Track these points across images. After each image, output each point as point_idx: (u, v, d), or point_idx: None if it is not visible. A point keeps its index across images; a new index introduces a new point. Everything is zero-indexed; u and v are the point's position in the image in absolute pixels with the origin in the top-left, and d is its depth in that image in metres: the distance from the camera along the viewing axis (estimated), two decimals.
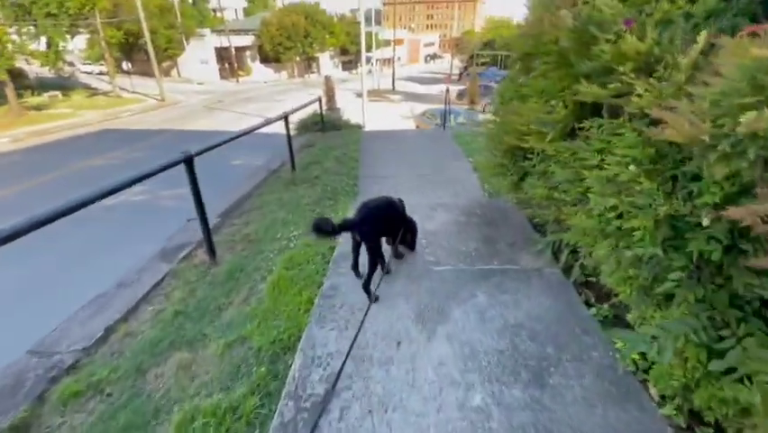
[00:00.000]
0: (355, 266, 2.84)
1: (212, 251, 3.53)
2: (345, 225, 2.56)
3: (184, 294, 3.07)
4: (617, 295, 2.08)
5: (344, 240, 3.39)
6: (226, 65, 36.08)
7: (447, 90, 9.53)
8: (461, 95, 23.75)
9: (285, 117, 5.93)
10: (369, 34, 33.77)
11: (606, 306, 2.48)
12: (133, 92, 28.17)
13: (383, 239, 2.92)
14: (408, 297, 2.70)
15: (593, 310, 2.50)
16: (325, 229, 2.36)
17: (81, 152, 14.14)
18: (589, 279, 2.74)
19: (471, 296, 2.70)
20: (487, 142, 3.62)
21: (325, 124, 9.10)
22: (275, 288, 2.93)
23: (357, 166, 6.50)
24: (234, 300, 2.97)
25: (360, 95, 17.15)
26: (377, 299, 2.60)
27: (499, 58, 36.96)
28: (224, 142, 3.93)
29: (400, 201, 3.08)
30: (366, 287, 2.60)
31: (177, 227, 4.66)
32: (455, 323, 2.45)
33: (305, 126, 9.34)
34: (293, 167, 6.23)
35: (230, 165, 10.96)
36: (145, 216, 7.91)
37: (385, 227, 2.89)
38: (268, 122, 5.59)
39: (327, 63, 44.35)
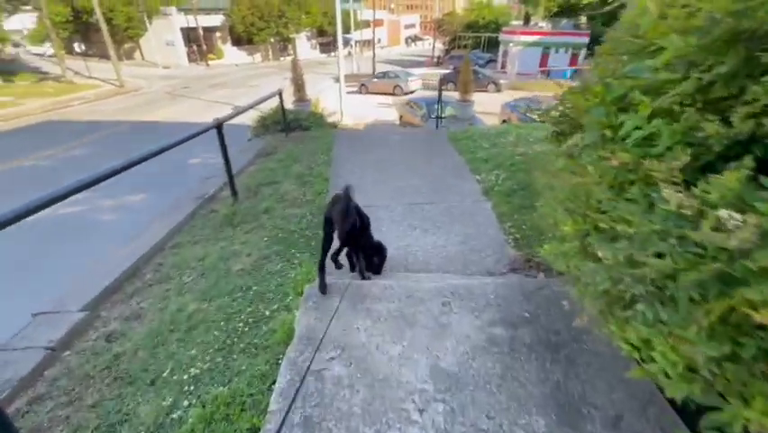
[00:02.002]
0: (322, 266, 2.47)
1: None
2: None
3: None
4: None
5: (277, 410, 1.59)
6: (194, 47, 32.61)
7: (441, 80, 7.54)
8: (445, 80, 21.64)
9: (218, 127, 3.96)
10: (347, 14, 31.01)
11: None
12: (89, 77, 24.93)
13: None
14: None
15: None
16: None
17: (10, 150, 11.67)
18: None
19: None
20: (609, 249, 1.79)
21: (290, 123, 7.09)
22: None
23: (325, 189, 4.62)
24: None
25: (338, 79, 15.04)
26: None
27: (483, 40, 34.77)
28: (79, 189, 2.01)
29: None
30: (334, 257, 2.69)
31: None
32: None
33: (263, 126, 7.29)
34: (234, 193, 4.31)
35: (186, 164, 8.91)
36: (70, 236, 6.14)
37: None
38: (188, 137, 3.61)
39: (304, 45, 41.08)
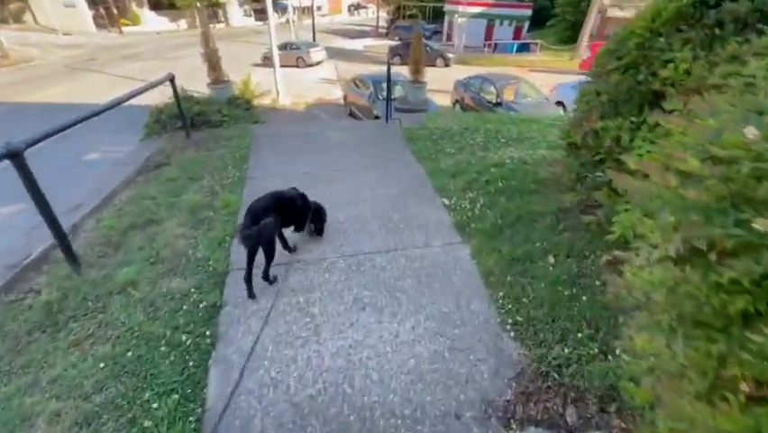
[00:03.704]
0: (248, 278, 2.41)
1: None
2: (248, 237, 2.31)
3: None
4: None
5: None
6: (102, 10, 27.16)
7: (388, 62, 5.87)
8: (394, 53, 19.74)
9: (11, 156, 2.18)
10: None
11: None
12: None
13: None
14: None
15: None
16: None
17: None
18: None
19: None
20: None
21: (194, 118, 5.18)
22: None
23: (231, 232, 3.03)
24: None
25: (282, 46, 12.60)
26: (275, 279, 2.54)
27: (427, 10, 32.75)
28: None
29: (296, 192, 2.79)
30: (266, 276, 2.50)
31: None
32: None
33: (159, 121, 5.29)
34: (71, 257, 2.59)
35: (80, 162, 6.63)
36: None
37: (280, 221, 2.57)
38: None
39: (236, 12, 36.28)
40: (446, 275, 2.65)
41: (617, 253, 1.14)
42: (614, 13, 21.93)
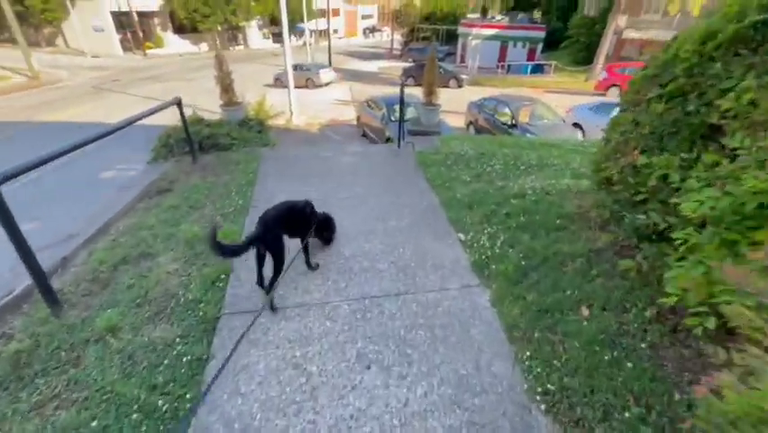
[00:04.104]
0: (260, 280, 2.46)
1: None
2: (250, 243, 2.24)
3: None
4: None
5: None
6: (129, 34, 28.30)
7: (402, 84, 5.69)
8: (408, 75, 19.87)
9: None
10: (299, 1, 28.19)
11: None
12: None
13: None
14: None
15: None
16: (227, 251, 2.09)
17: None
18: None
19: None
20: None
21: (202, 141, 5.04)
22: None
23: (228, 269, 2.78)
24: None
25: (292, 68, 12.66)
26: (276, 309, 2.41)
27: (441, 32, 33.15)
28: None
29: (307, 203, 2.76)
30: (269, 291, 2.36)
31: None
32: None
33: (166, 145, 5.17)
34: (50, 298, 2.36)
35: (96, 179, 6.61)
36: None
37: (288, 231, 2.56)
38: None
39: (255, 34, 37.40)
40: (464, 327, 2.32)
41: (719, 374, 0.81)
42: (630, 34, 21.72)
